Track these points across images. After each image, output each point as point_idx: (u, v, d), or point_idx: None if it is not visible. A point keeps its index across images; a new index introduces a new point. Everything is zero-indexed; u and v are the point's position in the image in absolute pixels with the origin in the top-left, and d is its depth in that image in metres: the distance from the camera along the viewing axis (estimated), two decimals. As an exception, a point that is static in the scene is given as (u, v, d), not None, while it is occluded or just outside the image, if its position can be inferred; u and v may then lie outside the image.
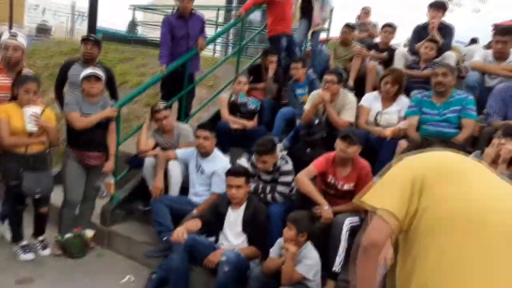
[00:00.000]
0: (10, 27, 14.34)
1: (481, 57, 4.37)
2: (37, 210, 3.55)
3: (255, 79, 5.11)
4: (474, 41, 8.69)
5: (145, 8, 8.79)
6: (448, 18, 6.22)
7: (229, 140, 4.43)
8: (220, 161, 3.78)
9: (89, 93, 3.61)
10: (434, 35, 4.91)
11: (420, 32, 5.31)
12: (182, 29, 4.53)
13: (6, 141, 3.24)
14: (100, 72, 3.65)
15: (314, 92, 4.36)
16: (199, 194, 3.73)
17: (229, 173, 3.30)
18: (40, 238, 3.64)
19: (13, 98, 3.36)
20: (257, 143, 3.52)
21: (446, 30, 5.08)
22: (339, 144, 3.23)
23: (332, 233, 3.07)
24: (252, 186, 3.50)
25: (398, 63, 5.01)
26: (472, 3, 14.96)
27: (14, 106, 3.31)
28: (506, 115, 3.70)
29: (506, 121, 3.57)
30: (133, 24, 12.40)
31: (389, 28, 5.48)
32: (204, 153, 3.77)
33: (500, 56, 4.25)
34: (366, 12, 7.94)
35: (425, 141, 3.01)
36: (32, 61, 7.40)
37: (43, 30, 21.99)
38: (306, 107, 4.29)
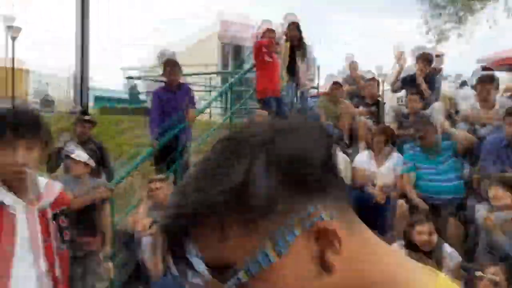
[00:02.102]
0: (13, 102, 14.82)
1: (466, 105, 4.43)
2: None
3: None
4: (464, 83, 8.79)
5: (139, 78, 9.07)
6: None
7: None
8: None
9: (73, 174, 3.64)
10: (422, 86, 5.00)
11: (407, 82, 5.43)
12: (171, 101, 4.62)
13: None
14: (81, 153, 3.67)
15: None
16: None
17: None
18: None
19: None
20: None
21: (432, 80, 5.20)
22: None
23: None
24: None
25: (388, 117, 5.08)
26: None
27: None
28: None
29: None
30: (132, 93, 12.77)
31: (373, 82, 5.56)
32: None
33: (486, 105, 4.28)
34: (352, 65, 8.11)
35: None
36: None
37: (47, 102, 22.60)
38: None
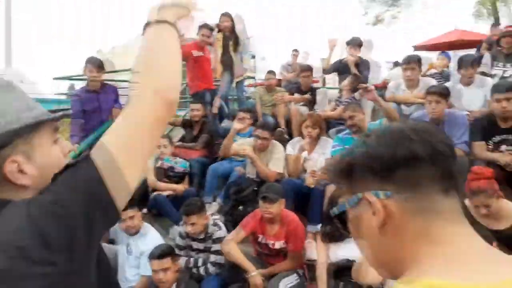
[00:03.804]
0: None
1: (393, 87, 4.50)
2: None
3: (189, 133, 5.06)
4: (397, 64, 9.11)
5: (68, 78, 8.57)
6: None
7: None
8: (151, 238, 3.46)
9: None
10: (352, 70, 5.09)
11: (338, 67, 5.50)
12: (93, 102, 4.36)
13: None
14: None
15: (246, 141, 4.27)
16: (129, 279, 3.42)
17: (151, 256, 2.99)
18: None
19: None
20: (184, 203, 3.36)
21: (362, 65, 5.27)
22: (260, 204, 3.10)
23: (269, 300, 2.88)
24: (183, 260, 3.26)
25: (322, 102, 5.09)
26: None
27: None
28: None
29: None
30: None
31: (307, 73, 5.52)
32: (131, 231, 3.50)
33: (411, 84, 4.38)
34: (294, 54, 8.21)
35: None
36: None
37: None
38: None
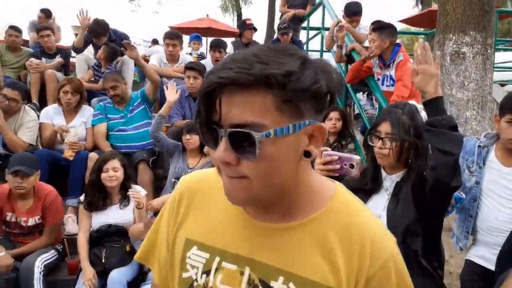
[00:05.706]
0: None
1: (156, 60, 4.63)
2: None
3: None
4: (155, 42, 9.35)
5: None
6: (130, 18, 6.43)
7: None
8: None
9: None
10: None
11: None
12: None
13: None
14: None
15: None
16: None
17: None
18: None
19: None
20: None
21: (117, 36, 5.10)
22: (9, 179, 2.70)
23: (23, 279, 2.57)
24: None
25: (81, 68, 4.74)
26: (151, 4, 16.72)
27: None
28: (185, 115, 4.02)
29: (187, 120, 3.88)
30: None
31: (45, 31, 4.88)
32: None
33: (172, 59, 4.60)
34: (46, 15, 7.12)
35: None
36: None
37: None
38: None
